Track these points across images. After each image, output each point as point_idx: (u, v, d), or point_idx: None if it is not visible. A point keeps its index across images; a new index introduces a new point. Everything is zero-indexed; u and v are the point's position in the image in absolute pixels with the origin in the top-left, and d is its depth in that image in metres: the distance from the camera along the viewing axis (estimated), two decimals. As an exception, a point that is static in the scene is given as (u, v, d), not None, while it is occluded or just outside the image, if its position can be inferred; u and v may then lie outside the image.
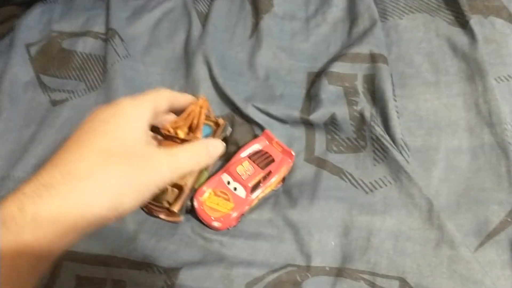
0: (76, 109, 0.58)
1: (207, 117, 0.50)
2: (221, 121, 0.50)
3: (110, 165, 0.35)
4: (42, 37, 0.65)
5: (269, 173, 0.47)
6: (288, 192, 0.49)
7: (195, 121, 0.46)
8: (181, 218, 0.47)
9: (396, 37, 0.57)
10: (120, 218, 0.36)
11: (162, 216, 0.47)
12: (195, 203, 0.46)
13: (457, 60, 0.53)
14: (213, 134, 0.50)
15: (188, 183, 0.46)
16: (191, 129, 0.46)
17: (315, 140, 0.52)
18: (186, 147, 0.41)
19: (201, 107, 0.47)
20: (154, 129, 0.42)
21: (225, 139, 0.51)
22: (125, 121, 0.38)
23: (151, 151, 0.38)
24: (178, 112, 0.47)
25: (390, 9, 0.58)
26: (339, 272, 0.43)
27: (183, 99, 0.46)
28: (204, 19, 0.63)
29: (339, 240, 0.45)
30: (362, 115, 0.50)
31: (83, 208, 0.32)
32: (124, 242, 0.46)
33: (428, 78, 0.53)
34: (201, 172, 0.47)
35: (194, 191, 0.48)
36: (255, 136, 0.52)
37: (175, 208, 0.44)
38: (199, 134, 0.46)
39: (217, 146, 0.44)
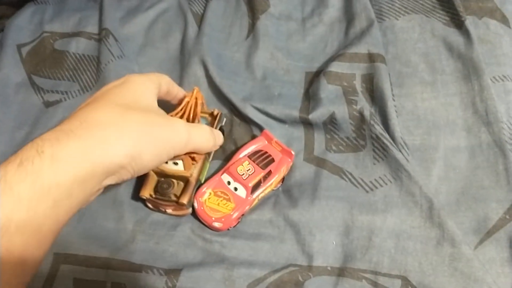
0: (70, 110, 0.56)
1: (202, 109, 0.50)
2: (216, 111, 0.50)
3: (130, 115, 0.36)
4: (34, 38, 0.64)
5: (270, 173, 0.47)
6: (288, 192, 0.48)
7: (192, 112, 0.46)
8: (189, 211, 0.47)
9: (393, 38, 0.57)
10: (137, 174, 0.36)
11: (169, 210, 0.47)
12: (195, 204, 0.46)
13: (453, 60, 0.54)
14: (210, 125, 0.49)
15: (194, 174, 0.46)
16: (189, 120, 0.46)
17: (314, 139, 0.52)
18: (195, 124, 0.43)
19: (196, 98, 0.47)
20: None
21: (221, 129, 0.51)
22: (139, 87, 0.40)
23: (167, 115, 0.40)
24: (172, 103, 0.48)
25: (386, 10, 0.59)
26: (341, 272, 0.43)
27: (178, 89, 0.48)
28: (200, 20, 0.62)
29: (340, 239, 0.45)
30: (361, 114, 0.50)
31: (102, 153, 0.32)
32: (123, 244, 0.45)
33: (425, 78, 0.54)
34: (203, 163, 0.47)
35: (199, 183, 0.47)
36: (254, 136, 0.51)
37: (184, 200, 0.44)
38: None
39: (220, 135, 0.47)
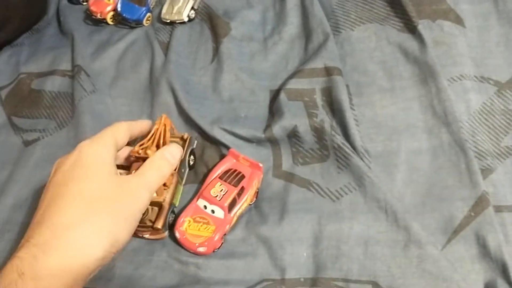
0: (47, 147, 0.59)
1: (172, 134, 0.52)
2: (186, 135, 0.52)
3: (94, 210, 0.36)
4: (12, 80, 0.67)
5: (243, 189, 0.48)
6: (259, 208, 0.50)
7: (161, 139, 0.48)
8: (165, 234, 0.48)
9: (350, 49, 0.58)
10: (118, 253, 0.37)
11: (147, 235, 0.48)
12: (177, 234, 0.47)
13: (409, 65, 0.55)
14: None
15: (166, 199, 0.47)
16: (159, 147, 0.47)
17: (282, 155, 0.53)
18: (146, 163, 0.43)
19: (164, 125, 0.49)
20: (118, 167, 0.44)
21: (192, 152, 0.53)
22: (92, 161, 0.40)
23: (125, 181, 0.40)
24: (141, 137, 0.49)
25: (341, 22, 0.60)
26: (314, 282, 0.44)
27: (140, 125, 0.49)
28: (166, 48, 0.64)
29: (311, 250, 0.46)
30: (322, 126, 0.51)
31: (81, 258, 0.34)
32: (102, 272, 0.46)
33: (383, 85, 0.55)
34: (176, 187, 0.49)
35: (173, 206, 0.49)
36: (224, 157, 0.53)
37: (159, 225, 0.46)
38: None
39: (173, 151, 0.46)
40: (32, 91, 0.65)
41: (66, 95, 0.63)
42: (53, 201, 0.37)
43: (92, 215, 0.35)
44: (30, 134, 0.60)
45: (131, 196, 0.39)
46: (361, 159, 0.49)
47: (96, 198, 0.37)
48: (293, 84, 0.55)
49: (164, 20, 0.66)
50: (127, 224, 0.38)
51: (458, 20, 0.58)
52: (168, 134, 0.49)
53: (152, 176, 0.42)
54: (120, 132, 0.45)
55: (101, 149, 0.41)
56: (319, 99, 0.54)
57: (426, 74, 0.53)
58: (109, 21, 0.69)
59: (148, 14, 0.68)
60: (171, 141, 0.51)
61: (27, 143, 0.60)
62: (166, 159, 0.45)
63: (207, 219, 0.48)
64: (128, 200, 0.38)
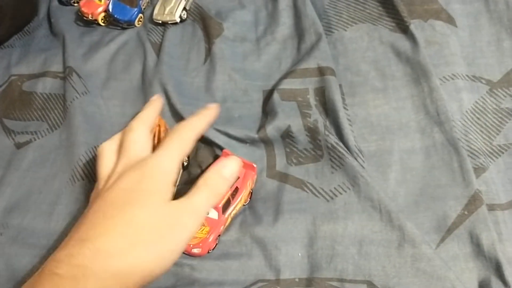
0: (39, 149, 0.58)
1: (166, 136, 0.51)
2: None
3: (140, 241, 0.35)
4: (2, 82, 0.66)
5: (236, 189, 0.48)
6: (253, 209, 0.50)
7: (156, 140, 0.48)
8: None
9: (342, 49, 0.59)
10: (150, 284, 0.36)
11: None
12: None
13: (402, 65, 0.55)
14: None
15: None
16: (154, 148, 0.47)
17: (276, 155, 0.53)
18: (200, 181, 0.39)
19: (159, 126, 0.49)
20: None
21: None
22: (153, 185, 0.38)
23: (175, 209, 0.37)
24: None
25: (334, 22, 0.60)
26: (309, 282, 0.44)
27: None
28: (158, 49, 0.64)
29: (305, 251, 0.46)
30: (315, 126, 0.51)
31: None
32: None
33: (376, 85, 0.55)
34: None
35: None
36: (217, 157, 0.53)
37: None
38: None
39: (232, 166, 0.42)
40: (23, 93, 0.64)
41: (58, 96, 0.62)
42: (102, 220, 0.36)
43: (138, 247, 0.34)
44: (22, 136, 0.60)
45: (177, 227, 0.37)
46: (355, 159, 0.49)
47: (145, 228, 0.35)
48: (286, 84, 0.55)
49: (156, 21, 0.66)
50: (168, 259, 0.36)
51: (450, 20, 0.58)
52: (163, 135, 0.49)
53: (202, 199, 0.39)
54: (189, 144, 0.42)
55: (168, 166, 0.39)
56: (312, 99, 0.54)
57: (419, 73, 0.54)
58: (101, 22, 0.68)
59: (140, 15, 0.68)
60: None
61: (19, 145, 0.59)
62: (223, 176, 0.41)
63: None
64: (175, 231, 0.37)
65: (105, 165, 0.42)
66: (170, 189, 0.38)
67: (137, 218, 0.35)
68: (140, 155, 0.41)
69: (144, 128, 0.44)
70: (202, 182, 0.39)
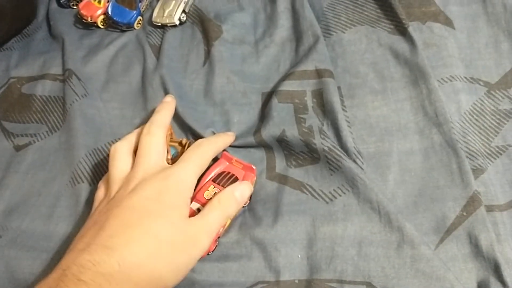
0: (39, 151, 0.58)
1: (171, 139, 0.51)
2: (184, 141, 0.52)
3: (159, 254, 0.37)
4: (1, 85, 0.66)
5: None
6: (253, 211, 0.50)
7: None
8: None
9: (341, 51, 0.59)
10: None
11: None
12: None
13: (400, 67, 0.56)
14: (179, 154, 0.51)
15: None
16: None
17: (275, 157, 0.53)
18: (214, 203, 0.42)
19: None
20: None
21: None
22: (173, 198, 0.40)
23: (190, 226, 0.40)
24: None
25: (332, 24, 0.61)
26: (308, 284, 0.44)
27: (224, 140, 0.52)
28: (157, 51, 0.64)
29: (305, 252, 0.46)
30: (310, 131, 0.51)
31: None
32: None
33: (374, 87, 0.55)
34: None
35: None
36: (216, 160, 0.53)
37: None
38: (169, 155, 0.48)
39: (244, 190, 0.46)
40: (23, 96, 0.64)
41: (57, 99, 0.62)
42: (125, 229, 0.37)
43: (158, 260, 0.36)
44: (21, 138, 0.60)
45: (192, 243, 0.39)
46: (354, 160, 0.49)
47: (164, 242, 0.37)
48: (284, 86, 0.55)
49: (155, 24, 0.66)
50: (182, 272, 0.39)
51: (448, 22, 0.58)
52: (167, 139, 0.49)
53: (215, 218, 0.42)
54: (208, 161, 0.46)
55: (189, 181, 0.42)
56: (309, 101, 0.54)
57: (417, 75, 0.54)
58: (100, 24, 0.69)
59: (139, 17, 0.68)
60: (170, 146, 0.51)
61: (18, 148, 0.59)
62: (235, 198, 0.44)
63: None
64: (190, 247, 0.39)
65: (119, 168, 0.43)
66: (188, 205, 0.41)
67: (157, 231, 0.37)
68: (159, 163, 0.43)
69: (162, 133, 0.45)
70: (216, 201, 0.42)
